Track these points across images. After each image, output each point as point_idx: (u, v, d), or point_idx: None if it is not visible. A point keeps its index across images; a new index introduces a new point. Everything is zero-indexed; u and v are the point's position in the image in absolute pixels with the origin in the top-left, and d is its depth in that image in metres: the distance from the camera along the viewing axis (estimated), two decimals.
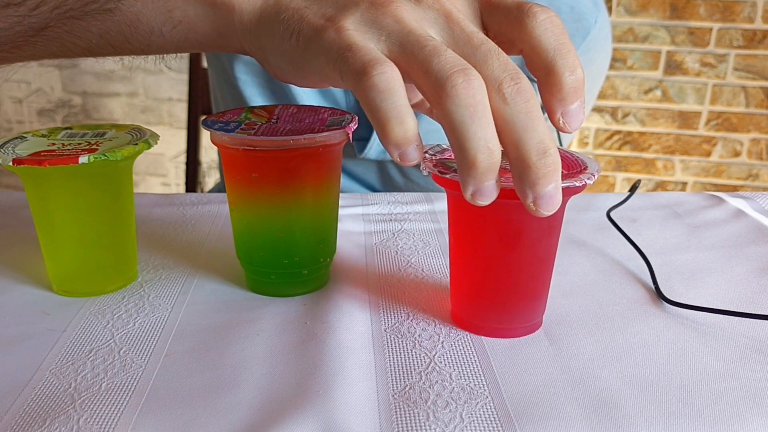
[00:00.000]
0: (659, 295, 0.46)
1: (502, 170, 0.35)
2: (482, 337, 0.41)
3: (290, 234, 0.44)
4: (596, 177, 0.37)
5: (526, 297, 0.41)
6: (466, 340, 0.41)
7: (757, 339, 0.41)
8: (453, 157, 0.36)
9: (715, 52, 1.94)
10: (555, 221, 0.39)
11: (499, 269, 0.40)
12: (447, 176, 0.37)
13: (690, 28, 1.93)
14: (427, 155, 0.40)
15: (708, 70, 1.96)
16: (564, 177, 0.36)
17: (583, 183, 0.36)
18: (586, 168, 0.38)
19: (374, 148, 0.73)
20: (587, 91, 0.77)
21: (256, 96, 0.76)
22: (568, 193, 0.36)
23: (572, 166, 0.39)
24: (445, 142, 0.41)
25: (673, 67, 1.97)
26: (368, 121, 0.72)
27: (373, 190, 0.82)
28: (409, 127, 0.32)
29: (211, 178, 2.03)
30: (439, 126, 0.33)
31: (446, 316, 0.43)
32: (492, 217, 0.38)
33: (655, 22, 1.93)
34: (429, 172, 0.39)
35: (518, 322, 0.41)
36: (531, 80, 0.35)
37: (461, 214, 0.40)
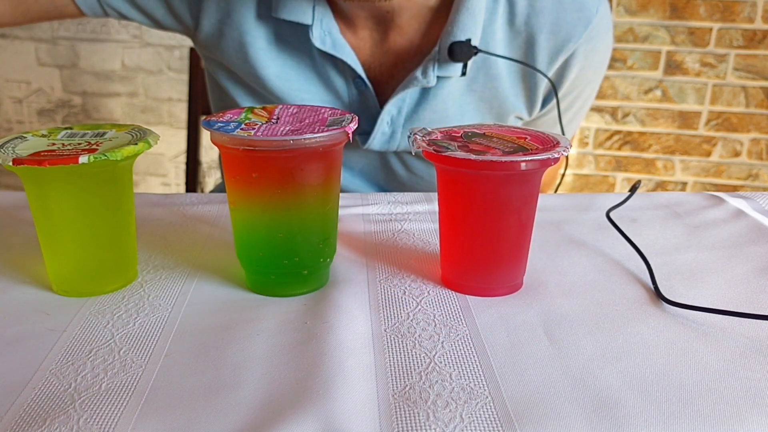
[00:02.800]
0: (658, 295, 0.46)
1: (486, 147, 0.43)
2: (482, 336, 0.41)
3: (290, 234, 0.44)
4: (570, 150, 0.43)
5: (509, 259, 0.46)
6: (466, 339, 0.41)
7: (757, 339, 0.41)
8: (440, 137, 0.45)
9: (715, 52, 1.94)
10: (534, 190, 0.44)
11: (484, 235, 0.45)
12: (441, 153, 0.42)
13: (690, 28, 1.93)
14: (417, 136, 0.45)
15: (708, 70, 1.96)
16: (540, 151, 0.42)
17: (560, 154, 0.42)
18: (558, 143, 0.44)
19: (377, 138, 0.73)
20: (589, 83, 0.77)
21: (243, 98, 0.77)
22: (546, 164, 0.42)
23: (546, 142, 0.44)
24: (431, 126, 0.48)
25: (673, 67, 1.97)
26: (370, 115, 0.73)
27: (377, 184, 0.82)
28: None
29: (211, 178, 2.03)
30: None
31: (447, 316, 0.43)
32: (479, 189, 0.43)
33: (655, 22, 1.93)
34: (421, 150, 0.44)
35: (502, 282, 0.46)
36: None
37: (451, 186, 0.45)
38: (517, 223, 0.44)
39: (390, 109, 0.71)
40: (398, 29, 0.71)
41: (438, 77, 0.70)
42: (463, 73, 0.69)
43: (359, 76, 0.71)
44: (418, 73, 0.69)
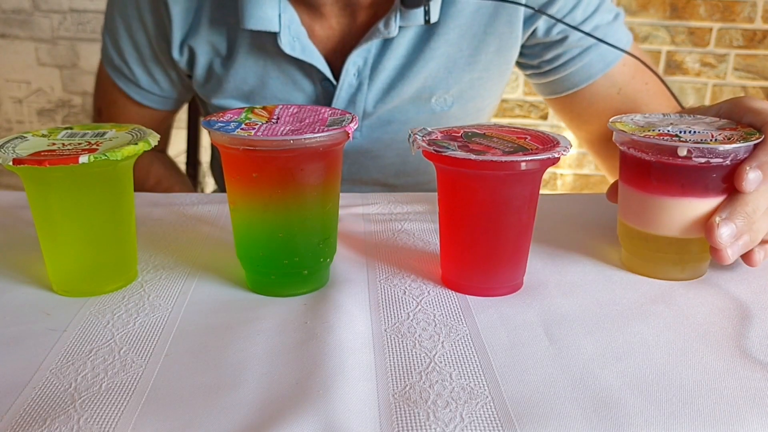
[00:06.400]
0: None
1: (486, 147, 0.43)
2: (482, 336, 0.41)
3: (290, 234, 0.44)
4: (569, 150, 0.43)
5: (509, 259, 0.46)
6: (466, 339, 0.41)
7: (756, 339, 0.41)
8: (440, 137, 0.46)
9: (715, 52, 1.94)
10: (534, 191, 0.44)
11: (484, 235, 0.45)
12: (441, 153, 0.42)
13: (690, 28, 1.93)
14: (418, 137, 0.45)
15: (708, 70, 1.96)
16: (540, 151, 0.42)
17: (560, 154, 0.42)
18: (558, 143, 0.44)
19: (344, 90, 0.73)
20: None
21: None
22: (546, 164, 0.42)
23: (546, 141, 0.45)
24: (431, 126, 0.48)
25: (673, 67, 1.97)
26: (334, 76, 0.73)
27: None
28: None
29: (211, 178, 2.02)
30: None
31: (447, 316, 0.43)
32: (479, 189, 0.43)
33: (655, 22, 1.93)
34: (420, 150, 0.44)
35: (502, 282, 0.46)
36: None
37: (451, 186, 0.45)
38: (517, 223, 0.44)
39: (356, 59, 0.72)
40: (364, 11, 0.72)
41: (400, 27, 0.70)
42: (426, 21, 0.69)
43: (326, 78, 0.72)
44: (381, 25, 0.69)
